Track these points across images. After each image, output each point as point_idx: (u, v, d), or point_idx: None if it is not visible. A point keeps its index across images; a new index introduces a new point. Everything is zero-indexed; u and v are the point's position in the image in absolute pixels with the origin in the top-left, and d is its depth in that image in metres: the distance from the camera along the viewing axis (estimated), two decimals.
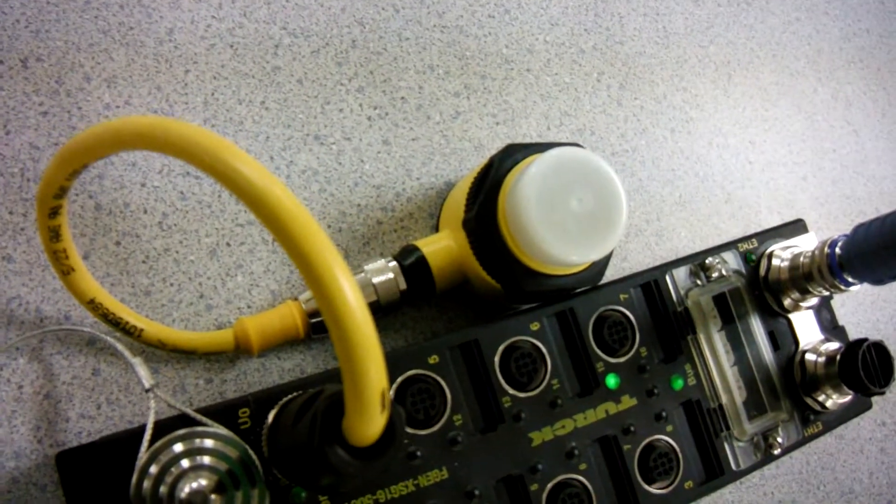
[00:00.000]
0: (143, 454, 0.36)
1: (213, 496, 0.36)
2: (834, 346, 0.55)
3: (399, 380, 0.43)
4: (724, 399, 0.52)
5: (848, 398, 0.55)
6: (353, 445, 0.30)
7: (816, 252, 0.53)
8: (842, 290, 0.53)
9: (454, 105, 0.58)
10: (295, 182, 0.51)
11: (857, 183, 0.74)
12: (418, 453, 0.43)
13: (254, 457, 0.38)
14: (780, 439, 0.53)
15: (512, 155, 0.48)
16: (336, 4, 0.56)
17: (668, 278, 0.53)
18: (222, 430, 0.38)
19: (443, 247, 0.48)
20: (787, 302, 0.55)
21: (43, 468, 0.41)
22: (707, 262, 0.54)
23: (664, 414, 0.50)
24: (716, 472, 0.51)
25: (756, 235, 0.57)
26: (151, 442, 0.36)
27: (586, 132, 0.62)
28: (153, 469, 0.36)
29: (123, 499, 0.36)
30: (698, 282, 0.54)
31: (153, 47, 0.50)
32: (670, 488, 0.49)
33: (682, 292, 0.53)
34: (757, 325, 0.55)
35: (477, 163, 0.54)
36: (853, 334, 0.59)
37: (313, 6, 0.55)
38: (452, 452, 0.44)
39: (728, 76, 0.71)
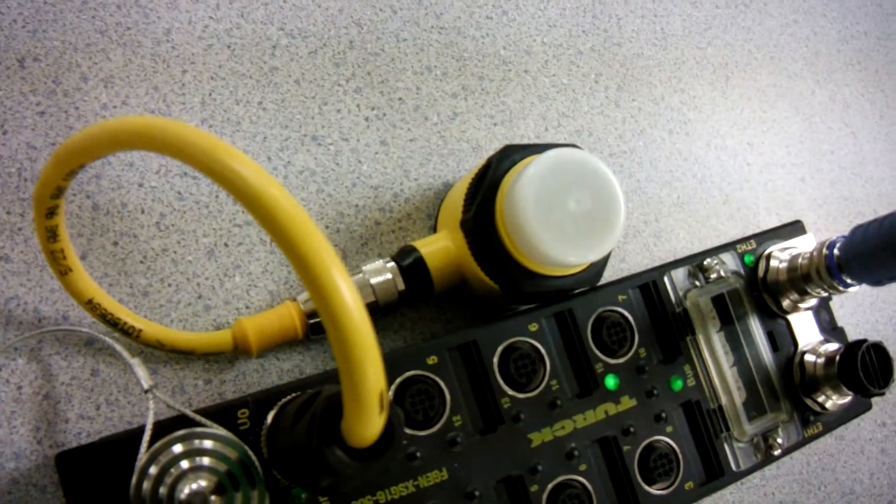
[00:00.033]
0: (142, 455, 0.36)
1: (212, 497, 0.36)
2: (833, 346, 0.55)
3: (398, 381, 0.43)
4: (723, 400, 0.52)
5: (847, 399, 0.55)
6: (352, 446, 0.30)
7: (815, 253, 0.53)
8: (840, 292, 0.53)
9: (452, 106, 0.58)
10: (292, 182, 0.51)
11: (855, 184, 0.74)
12: (418, 454, 0.43)
13: (253, 458, 0.38)
14: (780, 440, 0.53)
15: (510, 156, 0.48)
16: (334, 5, 0.56)
17: (666, 279, 0.53)
18: (221, 431, 0.38)
19: (441, 247, 0.48)
20: (785, 303, 0.55)
21: (43, 469, 0.41)
22: (705, 263, 0.54)
23: (664, 415, 0.50)
24: (716, 473, 0.51)
25: (754, 237, 0.57)
26: (151, 443, 0.36)
27: (584, 133, 0.62)
28: (153, 470, 0.36)
29: (123, 500, 0.36)
30: (697, 283, 0.54)
31: (150, 47, 0.50)
32: (670, 489, 0.49)
33: (681, 293, 0.53)
34: (756, 326, 0.55)
35: (475, 164, 0.55)
36: (852, 335, 0.59)
37: (311, 7, 0.55)
38: (452, 453, 0.44)
39: (726, 78, 0.71)
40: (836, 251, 0.51)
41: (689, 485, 0.50)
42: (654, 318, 0.52)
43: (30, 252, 0.43)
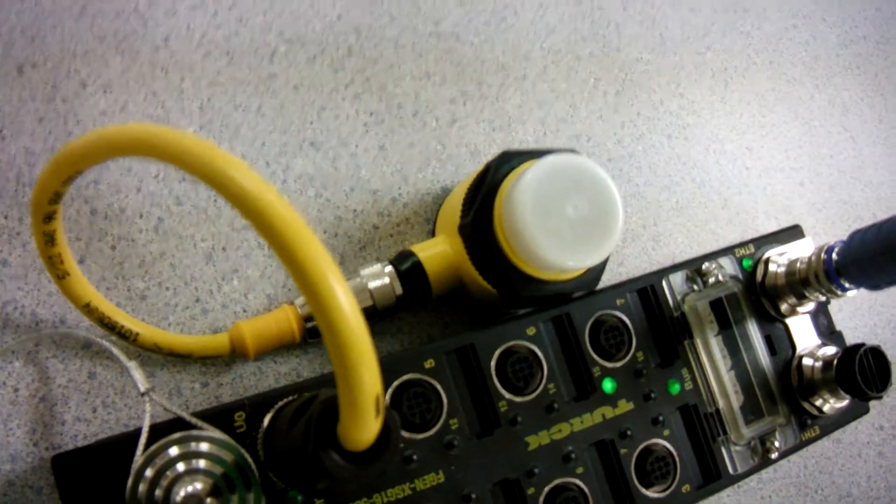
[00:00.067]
0: (138, 458, 0.36)
1: (208, 500, 0.36)
2: (831, 350, 0.55)
3: (395, 384, 0.44)
4: (721, 403, 0.52)
5: (845, 402, 0.55)
6: (349, 450, 0.30)
7: (813, 258, 0.53)
8: (838, 296, 0.53)
9: (450, 111, 0.58)
10: (291, 188, 0.51)
11: (854, 188, 0.74)
12: (414, 457, 0.43)
13: (249, 460, 0.38)
14: (777, 444, 0.53)
15: (508, 161, 0.48)
16: (332, 12, 0.56)
17: (664, 283, 0.53)
18: (218, 434, 0.38)
19: (439, 252, 0.49)
20: (784, 307, 0.55)
21: (38, 471, 0.41)
22: (704, 267, 0.55)
23: (661, 418, 0.50)
24: (713, 476, 0.51)
25: (753, 241, 0.58)
26: (147, 445, 0.37)
27: (583, 138, 0.62)
28: (149, 472, 0.36)
29: (119, 502, 0.36)
30: (695, 287, 0.54)
31: (149, 54, 0.51)
32: (667, 492, 0.50)
33: (679, 297, 0.53)
34: (754, 330, 0.55)
35: (473, 169, 0.55)
36: (850, 339, 0.59)
37: (309, 14, 0.56)
38: (449, 456, 0.44)
39: (725, 82, 0.71)
40: (834, 256, 0.51)
41: (685, 488, 0.50)
42: (652, 322, 0.52)
43: (28, 256, 0.44)
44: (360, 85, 0.56)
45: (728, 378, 0.53)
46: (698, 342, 0.53)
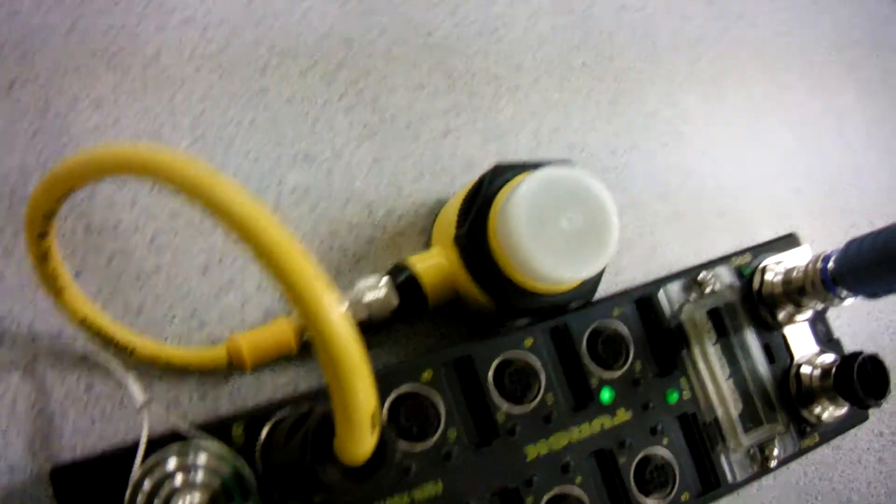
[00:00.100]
0: (136, 470, 0.37)
1: None
2: (829, 358, 0.56)
3: (393, 395, 0.44)
4: (719, 412, 0.53)
5: (844, 410, 0.56)
6: (345, 464, 0.31)
7: (809, 266, 0.54)
8: (835, 304, 0.53)
9: (444, 123, 0.59)
10: (285, 201, 0.52)
11: (850, 195, 0.75)
12: (413, 468, 0.44)
13: (248, 472, 0.38)
14: (776, 451, 0.54)
15: (502, 173, 0.49)
16: (323, 25, 0.57)
17: (661, 293, 0.54)
18: (216, 446, 0.39)
19: (435, 263, 0.49)
20: (781, 315, 0.56)
21: (37, 483, 0.41)
22: (700, 276, 0.55)
23: (659, 427, 0.51)
24: (712, 485, 0.52)
25: (749, 249, 0.58)
26: (145, 457, 0.37)
27: (577, 149, 0.63)
28: (147, 484, 0.36)
29: None
30: (692, 296, 0.55)
31: (140, 69, 0.51)
32: (667, 501, 0.50)
33: (676, 307, 0.54)
34: (752, 339, 0.55)
35: (467, 180, 0.55)
36: (849, 346, 0.60)
37: (300, 27, 0.56)
38: (447, 467, 0.45)
39: (719, 90, 0.72)
40: (830, 264, 0.52)
41: (685, 496, 0.51)
42: (650, 331, 0.52)
43: (24, 270, 0.44)
44: (353, 97, 0.56)
45: (726, 386, 0.54)
46: (696, 351, 0.53)
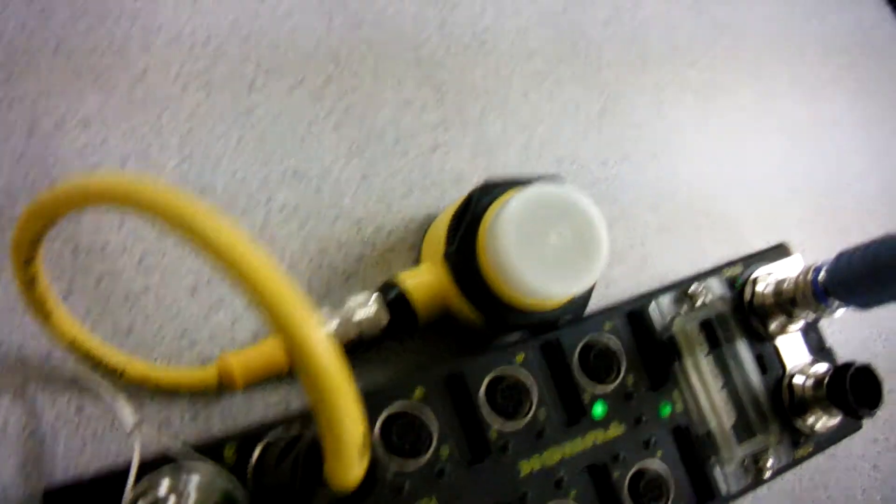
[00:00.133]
0: (128, 492, 0.37)
1: None
2: (822, 367, 0.56)
3: (385, 414, 0.44)
4: (712, 424, 0.53)
5: (838, 419, 0.56)
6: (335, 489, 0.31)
7: (800, 278, 0.54)
8: (827, 315, 0.54)
9: (432, 138, 0.59)
10: (274, 219, 0.52)
11: (841, 202, 0.75)
12: (406, 485, 0.44)
13: (239, 494, 0.39)
14: (770, 462, 0.54)
15: (490, 190, 0.49)
16: (310, 42, 0.58)
17: (653, 306, 0.54)
18: (208, 467, 0.39)
19: (425, 280, 0.50)
20: (773, 326, 0.56)
21: None
22: (692, 288, 0.56)
23: (653, 441, 0.51)
24: (706, 497, 0.52)
25: (741, 260, 0.59)
26: (137, 479, 0.37)
27: (566, 161, 0.63)
28: None
29: None
30: (684, 308, 0.55)
31: (127, 89, 0.52)
32: None
33: (668, 319, 0.54)
34: (744, 350, 0.56)
35: (457, 195, 0.56)
36: (841, 353, 0.60)
37: (286, 45, 0.57)
38: (440, 484, 0.45)
39: (708, 99, 0.72)
40: (821, 276, 0.52)
41: None
42: (642, 345, 0.53)
43: (12, 293, 0.44)
44: (341, 113, 0.57)
45: (719, 398, 0.54)
46: (688, 363, 0.54)
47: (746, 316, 0.57)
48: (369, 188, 0.56)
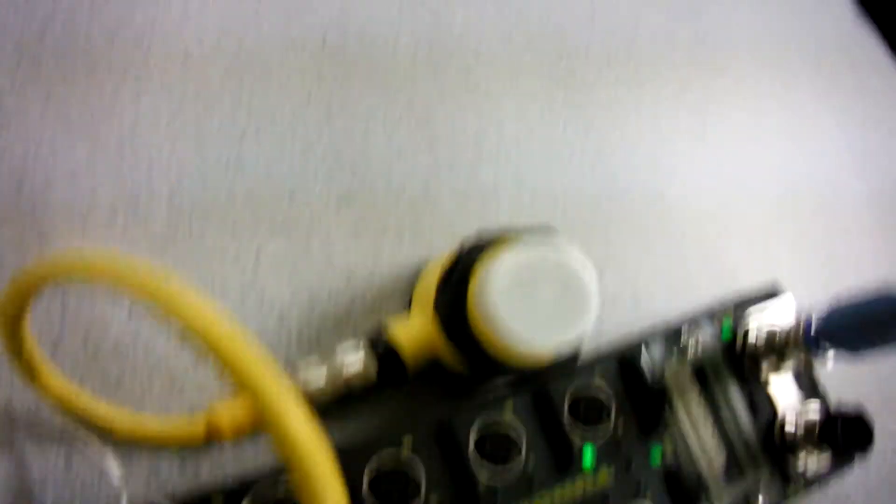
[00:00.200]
0: None
1: None
2: (814, 407, 0.56)
3: (373, 463, 0.45)
4: (703, 467, 0.54)
5: (829, 459, 0.56)
6: None
7: (792, 331, 0.54)
8: (819, 360, 0.54)
9: (423, 184, 0.60)
10: (263, 271, 0.53)
11: (834, 239, 0.75)
12: None
13: None
14: (760, 502, 0.54)
15: (480, 245, 0.49)
16: (301, 91, 0.58)
17: (643, 351, 0.54)
18: None
19: (415, 333, 0.50)
20: (764, 368, 0.56)
21: None
22: (683, 332, 0.56)
23: (643, 485, 0.51)
24: None
25: (732, 302, 0.59)
26: None
27: (560, 203, 0.64)
28: None
29: None
30: (674, 353, 0.55)
31: (115, 143, 0.52)
32: None
33: (659, 364, 0.54)
34: (735, 393, 0.56)
35: (448, 242, 0.56)
36: (833, 387, 0.60)
37: (274, 102, 0.58)
38: None
39: (702, 140, 0.73)
40: (812, 329, 0.53)
41: None
42: (632, 390, 0.53)
43: None
44: (331, 164, 0.58)
45: (710, 441, 0.54)
46: (679, 407, 0.54)
47: (738, 359, 0.57)
48: (359, 236, 0.56)
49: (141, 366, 0.48)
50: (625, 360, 0.54)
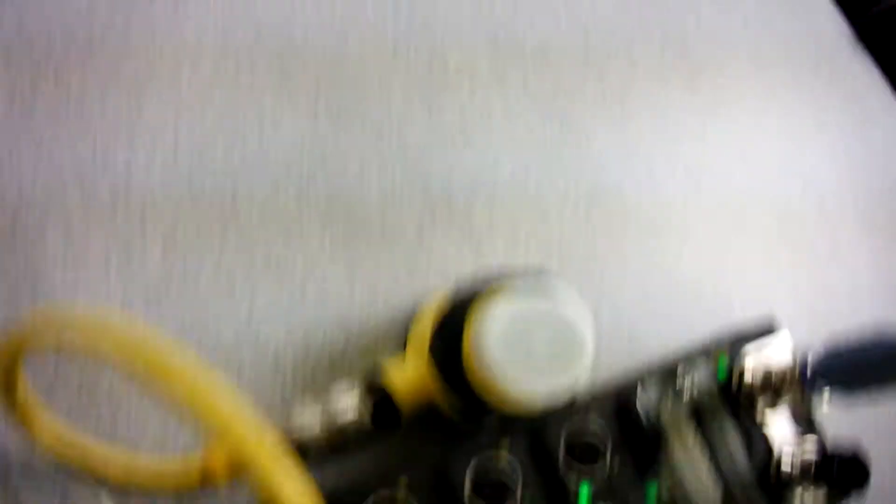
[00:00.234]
0: None
1: None
2: (810, 444, 0.56)
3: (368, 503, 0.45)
4: None
5: (825, 498, 0.56)
6: None
7: (788, 372, 0.54)
8: (816, 401, 0.54)
9: (418, 229, 0.60)
10: (258, 315, 0.53)
11: (830, 273, 0.75)
12: None
13: None
14: None
15: (476, 288, 0.50)
16: (292, 135, 0.59)
17: (639, 391, 0.54)
18: None
19: (410, 376, 0.50)
20: (760, 406, 0.56)
21: None
22: (678, 372, 0.56)
23: None
24: None
25: (728, 339, 0.59)
26: None
27: (554, 250, 0.64)
28: None
29: None
30: (670, 392, 0.55)
31: (108, 196, 0.53)
32: None
33: (654, 404, 0.54)
34: (731, 431, 0.56)
35: (443, 280, 0.56)
36: (832, 424, 0.60)
37: (267, 146, 0.58)
38: None
39: (697, 183, 0.73)
40: (809, 372, 0.53)
41: None
42: (628, 430, 0.53)
43: None
44: (325, 210, 0.58)
45: (706, 480, 0.54)
46: (675, 446, 0.54)
47: (733, 397, 0.57)
48: (354, 278, 0.57)
49: (135, 407, 0.48)
50: (620, 401, 0.54)
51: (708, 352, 0.58)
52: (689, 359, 0.57)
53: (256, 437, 0.28)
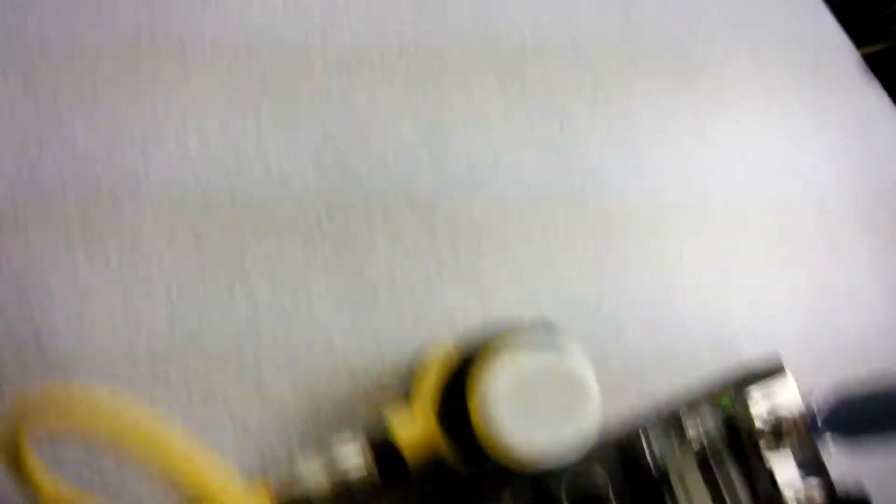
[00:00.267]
0: None
1: None
2: (816, 487, 0.56)
3: None
4: None
5: None
6: None
7: (795, 420, 0.54)
8: (822, 447, 0.54)
9: (424, 274, 0.60)
10: (264, 361, 0.53)
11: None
12: None
13: None
14: None
15: (482, 344, 0.50)
16: (299, 181, 0.59)
17: (643, 437, 0.54)
18: None
19: (416, 430, 0.50)
20: (765, 449, 0.56)
21: None
22: (683, 418, 0.56)
23: None
24: None
25: (733, 381, 0.59)
26: None
27: (563, 292, 0.64)
28: None
29: None
30: (675, 439, 0.55)
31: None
32: None
33: (659, 450, 0.54)
34: (736, 476, 0.56)
35: (449, 330, 0.56)
36: (835, 464, 0.60)
37: (276, 187, 0.58)
38: None
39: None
40: (819, 423, 0.53)
41: None
42: (632, 476, 0.53)
43: None
44: (332, 255, 0.58)
45: None
46: (680, 492, 0.54)
47: (739, 442, 0.57)
48: (360, 331, 0.57)
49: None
50: (624, 447, 0.54)
51: (712, 395, 0.58)
52: (693, 403, 0.57)
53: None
